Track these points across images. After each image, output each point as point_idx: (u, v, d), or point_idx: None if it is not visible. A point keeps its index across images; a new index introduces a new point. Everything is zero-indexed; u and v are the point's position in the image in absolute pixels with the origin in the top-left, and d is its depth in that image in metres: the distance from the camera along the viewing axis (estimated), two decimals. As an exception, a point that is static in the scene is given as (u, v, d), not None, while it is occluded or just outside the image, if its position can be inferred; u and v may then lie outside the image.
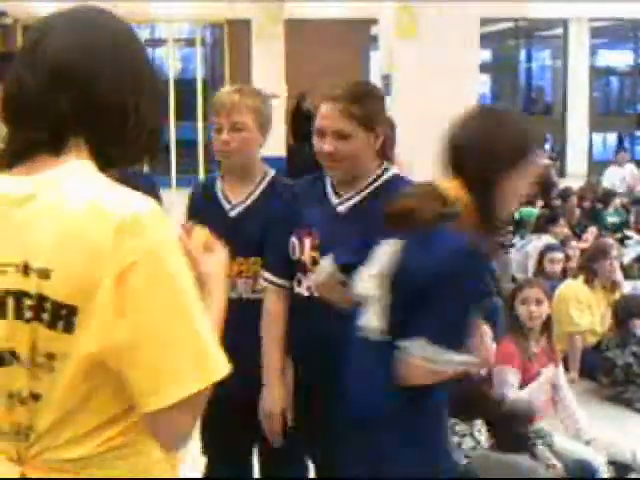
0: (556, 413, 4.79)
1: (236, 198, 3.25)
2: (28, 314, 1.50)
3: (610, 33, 22.53)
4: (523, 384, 4.62)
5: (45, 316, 1.48)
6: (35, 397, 1.53)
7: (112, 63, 1.59)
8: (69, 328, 1.47)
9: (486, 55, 21.82)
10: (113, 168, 1.61)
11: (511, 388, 4.57)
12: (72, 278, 1.46)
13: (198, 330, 1.49)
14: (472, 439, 4.27)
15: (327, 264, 2.69)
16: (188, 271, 1.53)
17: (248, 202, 3.23)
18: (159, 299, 1.46)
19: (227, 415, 3.07)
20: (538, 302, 4.82)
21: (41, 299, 1.48)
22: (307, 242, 2.85)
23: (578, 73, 20.87)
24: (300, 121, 11.14)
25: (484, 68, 19.30)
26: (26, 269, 1.49)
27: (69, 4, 1.70)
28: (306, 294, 2.88)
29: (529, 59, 23.56)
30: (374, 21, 13.30)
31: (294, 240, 2.89)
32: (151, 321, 1.46)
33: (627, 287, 7.39)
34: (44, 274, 1.47)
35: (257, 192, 3.25)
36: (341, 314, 2.71)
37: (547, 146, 21.32)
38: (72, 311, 1.46)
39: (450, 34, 5.89)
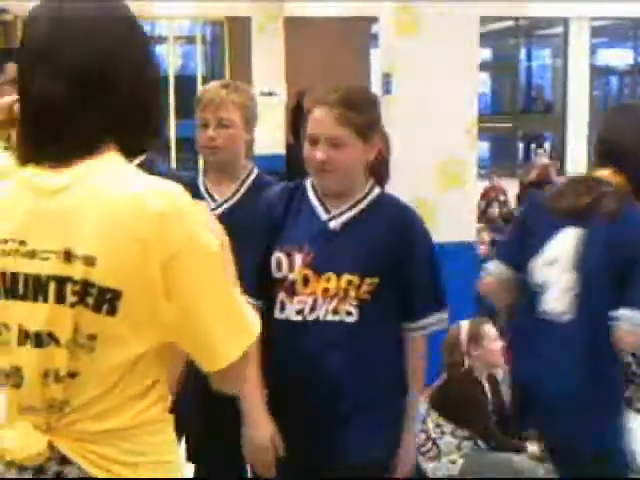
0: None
1: (221, 196, 3.18)
2: (72, 299, 1.59)
3: (610, 32, 22.52)
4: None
5: (90, 300, 1.58)
6: (73, 375, 1.62)
7: (132, 60, 1.66)
8: (112, 311, 1.58)
9: (486, 54, 21.82)
10: (132, 158, 1.72)
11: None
12: (117, 265, 1.56)
13: (236, 299, 1.66)
14: (472, 442, 4.28)
15: (497, 265, 3.02)
16: (219, 247, 1.66)
17: (233, 200, 3.18)
18: (203, 278, 1.61)
19: (220, 431, 3.02)
20: None
21: (86, 284, 1.57)
22: (298, 258, 2.59)
23: (578, 72, 20.86)
24: (300, 119, 11.15)
25: (484, 67, 19.29)
26: (69, 256, 1.57)
27: None
28: (297, 318, 2.60)
29: (529, 58, 23.56)
30: (374, 19, 13.30)
31: (280, 256, 2.62)
32: (199, 299, 1.61)
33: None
34: (89, 261, 1.56)
35: (242, 190, 3.19)
36: (334, 342, 2.59)
37: (547, 145, 21.33)
38: (117, 295, 1.57)
39: (450, 33, 5.88)
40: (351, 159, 2.59)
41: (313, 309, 2.58)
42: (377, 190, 2.73)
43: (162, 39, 20.30)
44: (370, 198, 2.69)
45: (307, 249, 2.60)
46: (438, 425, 4.36)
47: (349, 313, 2.58)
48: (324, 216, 2.66)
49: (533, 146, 20.97)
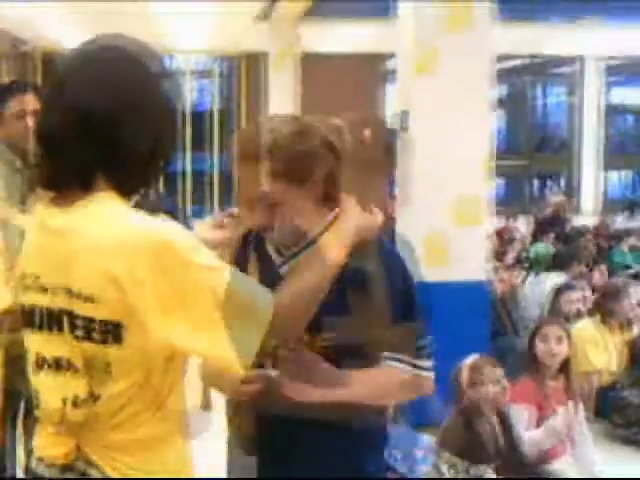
0: (571, 453, 4.74)
1: (287, 249, 2.49)
2: (80, 333, 1.72)
3: (625, 71, 22.55)
4: (539, 423, 4.57)
5: (96, 335, 1.70)
6: (95, 398, 1.75)
7: (131, 106, 1.76)
8: (119, 340, 1.70)
9: (501, 90, 21.85)
10: (129, 196, 1.81)
11: (527, 427, 4.53)
12: (114, 302, 1.67)
13: (236, 295, 1.71)
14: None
15: None
16: (208, 254, 1.74)
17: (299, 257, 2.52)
18: (200, 300, 1.69)
19: None
20: (558, 340, 4.79)
21: (90, 320, 1.70)
22: None
23: (593, 110, 20.88)
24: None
25: (499, 103, 19.31)
26: (71, 293, 1.71)
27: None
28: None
29: (544, 95, 23.58)
30: (389, 56, 13.36)
31: None
32: (199, 316, 1.69)
33: (642, 326, 7.33)
34: (89, 299, 1.68)
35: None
36: None
37: (562, 183, 21.31)
38: (119, 325, 1.69)
39: (466, 71, 5.90)
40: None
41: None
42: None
43: (178, 73, 20.43)
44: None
45: None
46: (452, 465, 4.31)
47: None
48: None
49: (548, 184, 20.95)
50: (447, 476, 4.30)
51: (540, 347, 4.81)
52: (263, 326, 1.74)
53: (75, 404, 1.75)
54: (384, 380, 2.30)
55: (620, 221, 14.10)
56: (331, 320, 2.20)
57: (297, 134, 2.20)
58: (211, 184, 19.02)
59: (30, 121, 3.65)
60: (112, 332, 1.69)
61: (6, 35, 16.02)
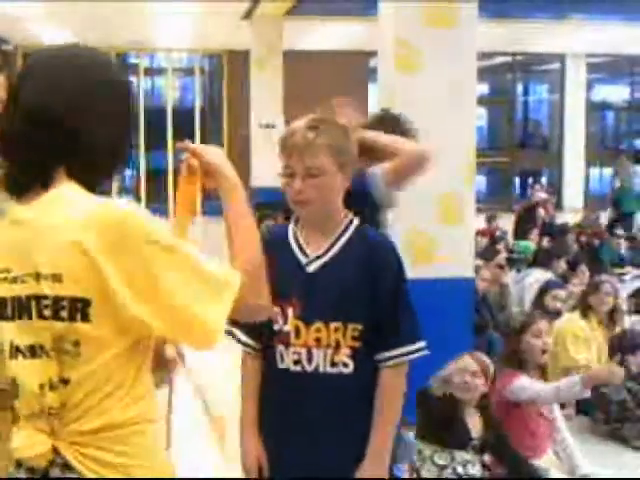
0: (552, 449, 4.77)
1: (314, 250, 2.73)
2: (47, 312, 1.77)
3: (606, 68, 22.66)
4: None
5: (64, 313, 1.75)
6: (65, 382, 1.79)
7: (81, 102, 1.83)
8: (86, 318, 1.74)
9: (483, 88, 21.90)
10: (89, 190, 1.84)
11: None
12: (81, 278, 1.73)
13: (201, 271, 1.77)
14: (453, 472, 4.24)
15: None
16: (171, 236, 1.81)
17: (328, 256, 2.73)
18: (166, 273, 1.73)
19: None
20: (548, 335, 4.86)
21: (58, 299, 1.75)
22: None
23: (575, 107, 20.98)
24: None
25: (481, 101, 19.37)
26: (38, 276, 1.76)
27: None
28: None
29: (526, 93, 23.67)
30: (372, 53, 13.39)
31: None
32: (166, 293, 1.73)
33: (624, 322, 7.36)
34: (57, 278, 1.74)
35: (339, 244, 2.74)
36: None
37: (543, 180, 21.40)
38: (87, 303, 1.74)
39: (448, 68, 5.90)
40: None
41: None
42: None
43: (161, 70, 20.41)
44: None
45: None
46: (430, 457, 4.33)
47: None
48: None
49: (530, 181, 21.04)
50: (424, 469, 4.32)
51: (532, 342, 4.81)
52: (230, 299, 1.79)
53: (52, 387, 1.79)
54: (392, 391, 2.72)
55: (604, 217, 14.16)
56: (355, 312, 2.62)
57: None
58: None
59: None
60: (80, 310, 1.74)
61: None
